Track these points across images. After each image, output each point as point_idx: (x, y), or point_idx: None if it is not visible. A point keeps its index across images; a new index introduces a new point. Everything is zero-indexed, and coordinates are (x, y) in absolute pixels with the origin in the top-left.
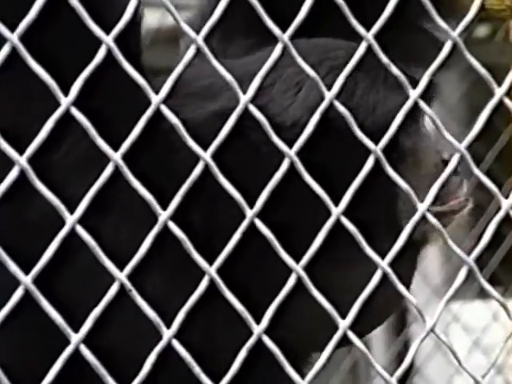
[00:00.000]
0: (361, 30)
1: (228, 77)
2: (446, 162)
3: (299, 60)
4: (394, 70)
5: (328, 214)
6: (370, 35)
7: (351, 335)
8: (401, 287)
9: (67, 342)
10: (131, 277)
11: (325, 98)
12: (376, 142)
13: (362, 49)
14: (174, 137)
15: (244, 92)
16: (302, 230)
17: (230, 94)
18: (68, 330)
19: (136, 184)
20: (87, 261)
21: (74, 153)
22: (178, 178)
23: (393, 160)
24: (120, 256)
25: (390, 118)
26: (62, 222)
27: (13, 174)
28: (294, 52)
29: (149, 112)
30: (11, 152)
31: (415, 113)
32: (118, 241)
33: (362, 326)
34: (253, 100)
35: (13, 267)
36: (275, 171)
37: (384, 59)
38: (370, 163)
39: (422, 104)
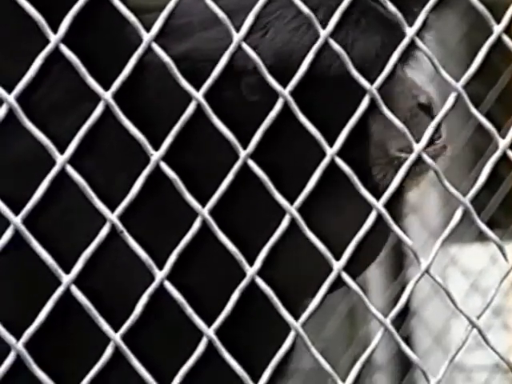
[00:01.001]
0: None
1: (220, 13)
2: (422, 106)
3: (297, 1)
4: (390, 6)
5: (322, 155)
6: None
7: (345, 277)
8: (396, 228)
9: (58, 284)
10: (122, 218)
11: (319, 36)
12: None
13: None
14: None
15: (237, 30)
16: (295, 171)
17: (200, 35)
18: (59, 271)
19: (127, 123)
20: (78, 202)
21: (55, 92)
22: (169, 119)
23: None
24: (111, 198)
25: (359, 61)
26: (51, 162)
27: (1, 112)
28: None
29: (140, 50)
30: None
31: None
32: (108, 182)
33: (354, 267)
34: (245, 38)
35: (2, 207)
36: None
37: None
38: (365, 103)
39: (419, 42)
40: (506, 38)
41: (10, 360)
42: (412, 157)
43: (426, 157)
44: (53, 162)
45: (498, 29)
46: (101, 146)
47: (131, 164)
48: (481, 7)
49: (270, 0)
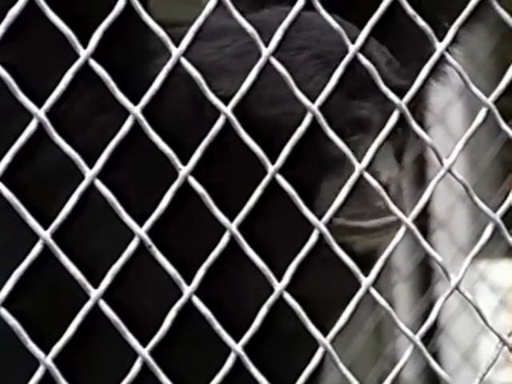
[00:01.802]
0: None
1: (249, 28)
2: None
3: (323, 12)
4: (420, 21)
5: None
6: None
7: (374, 292)
8: (425, 244)
9: (86, 299)
10: (151, 233)
11: (349, 51)
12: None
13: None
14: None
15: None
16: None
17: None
18: (87, 286)
19: (156, 138)
20: (106, 216)
21: (78, 106)
22: (197, 134)
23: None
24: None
25: None
26: (80, 176)
27: (31, 127)
28: (317, 4)
29: (169, 64)
30: (29, 104)
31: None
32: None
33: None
34: (274, 53)
35: (31, 221)
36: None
37: (409, 10)
38: (394, 118)
39: (449, 57)
40: None
41: (38, 375)
42: (441, 172)
43: (455, 172)
44: (81, 176)
45: None
46: (127, 160)
47: (155, 178)
48: (511, 21)
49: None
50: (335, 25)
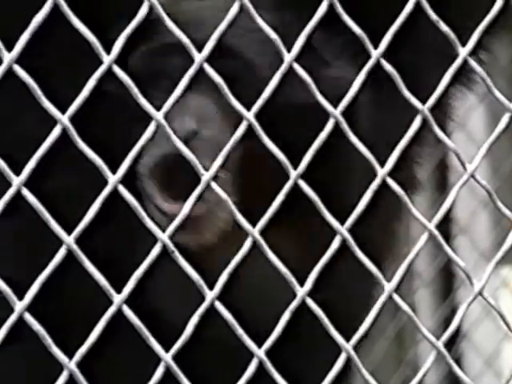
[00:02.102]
0: None
1: (272, 35)
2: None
3: (345, 17)
4: (443, 26)
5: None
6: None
7: (397, 298)
8: (448, 249)
9: (109, 304)
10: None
11: (371, 56)
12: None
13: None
14: None
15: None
16: (344, 192)
17: None
18: (111, 291)
19: (179, 144)
20: (129, 222)
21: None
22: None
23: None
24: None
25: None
26: (104, 183)
27: (55, 133)
28: (339, 9)
29: (191, 70)
30: (54, 111)
31: None
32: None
33: None
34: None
35: (55, 227)
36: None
37: (433, 16)
38: (417, 123)
39: (472, 62)
40: None
41: (62, 379)
42: (464, 178)
43: (478, 178)
44: (105, 182)
45: None
46: None
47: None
48: None
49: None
50: (358, 30)
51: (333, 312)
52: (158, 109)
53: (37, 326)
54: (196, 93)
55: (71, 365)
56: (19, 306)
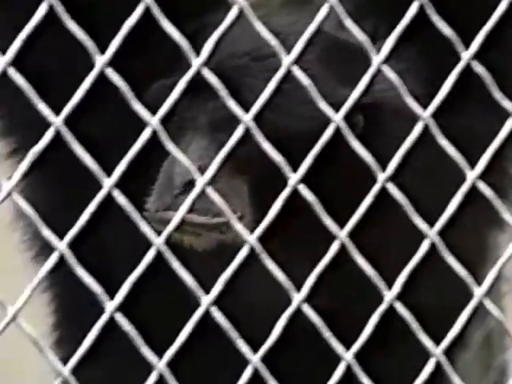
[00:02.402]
0: None
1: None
2: None
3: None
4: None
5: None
6: None
7: (488, 304)
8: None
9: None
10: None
11: (461, 58)
12: None
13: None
14: None
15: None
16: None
17: None
18: (199, 292)
19: (267, 146)
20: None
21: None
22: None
23: None
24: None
25: None
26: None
27: (145, 135)
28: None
29: (280, 73)
30: (144, 113)
31: None
32: None
33: None
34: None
35: (145, 228)
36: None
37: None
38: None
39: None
40: None
41: (152, 380)
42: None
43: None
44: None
45: None
46: None
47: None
48: None
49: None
50: (449, 32)
51: (423, 316)
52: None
53: (128, 327)
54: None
55: (161, 365)
56: (110, 306)
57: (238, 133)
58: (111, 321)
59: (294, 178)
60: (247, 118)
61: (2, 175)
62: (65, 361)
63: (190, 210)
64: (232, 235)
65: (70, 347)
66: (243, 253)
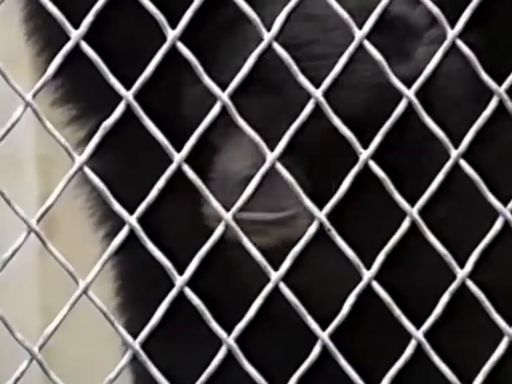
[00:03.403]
0: None
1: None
2: None
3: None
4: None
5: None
6: None
7: None
8: None
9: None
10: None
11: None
12: None
13: None
14: None
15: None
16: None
17: None
18: (268, 268)
19: (337, 122)
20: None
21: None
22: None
23: None
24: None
25: None
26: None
27: (215, 110)
28: None
29: (351, 47)
30: (214, 88)
31: None
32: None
33: None
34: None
35: (215, 204)
36: None
37: None
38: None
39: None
40: None
41: (221, 354)
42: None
43: None
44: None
45: None
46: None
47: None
48: None
49: None
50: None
51: (495, 295)
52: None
53: (197, 301)
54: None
55: (230, 340)
56: (180, 280)
57: (308, 108)
58: (180, 296)
59: (365, 154)
60: (318, 93)
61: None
62: (134, 336)
63: (253, 209)
64: (298, 229)
65: (137, 324)
66: (312, 229)
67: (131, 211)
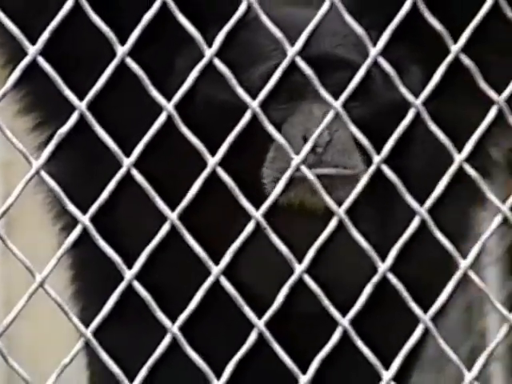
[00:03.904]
0: None
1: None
2: None
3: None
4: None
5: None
6: None
7: (472, 275)
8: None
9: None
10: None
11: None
12: None
13: None
14: None
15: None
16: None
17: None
18: (209, 263)
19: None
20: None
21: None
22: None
23: None
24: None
25: None
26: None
27: (161, 119)
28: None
29: (284, 64)
30: (160, 99)
31: None
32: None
33: None
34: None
35: (160, 204)
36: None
37: (509, 14)
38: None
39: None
40: None
41: (166, 342)
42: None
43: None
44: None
45: None
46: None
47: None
48: None
49: None
50: (438, 26)
51: (413, 286)
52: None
53: (144, 293)
54: (319, 102)
55: (174, 328)
56: (129, 274)
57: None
58: (129, 288)
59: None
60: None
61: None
62: (86, 324)
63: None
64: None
65: (90, 312)
66: (249, 227)
67: (85, 211)
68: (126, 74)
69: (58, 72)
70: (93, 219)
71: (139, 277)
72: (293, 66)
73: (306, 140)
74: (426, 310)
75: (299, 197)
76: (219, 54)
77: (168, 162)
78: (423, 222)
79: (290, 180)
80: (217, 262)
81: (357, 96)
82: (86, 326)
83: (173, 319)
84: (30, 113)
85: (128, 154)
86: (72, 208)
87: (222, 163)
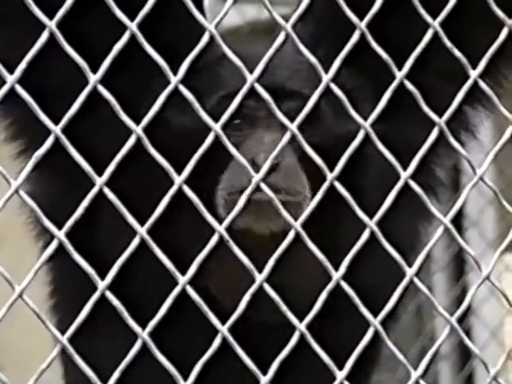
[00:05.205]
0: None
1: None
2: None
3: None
4: (456, 52)
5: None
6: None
7: (417, 282)
8: (460, 240)
9: (175, 284)
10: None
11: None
12: None
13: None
14: None
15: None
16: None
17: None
18: (177, 274)
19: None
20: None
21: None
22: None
23: None
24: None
25: None
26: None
27: (130, 142)
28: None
29: (244, 89)
30: (129, 123)
31: None
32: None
33: None
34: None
35: (130, 219)
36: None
37: (448, 43)
38: (434, 134)
39: (482, 84)
40: None
41: (137, 346)
42: (475, 180)
43: (486, 180)
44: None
45: None
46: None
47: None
48: None
49: None
50: (384, 55)
51: (364, 293)
52: (236, 145)
53: (115, 302)
54: (270, 131)
55: (144, 335)
56: (101, 284)
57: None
58: (102, 297)
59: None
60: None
61: (12, 173)
62: (63, 332)
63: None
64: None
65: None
66: (213, 240)
67: (61, 227)
68: (100, 99)
69: (36, 100)
70: (71, 235)
71: (113, 287)
72: (250, 92)
73: (253, 163)
74: (376, 314)
75: (246, 223)
76: (184, 80)
77: (139, 181)
78: (372, 234)
79: (238, 205)
80: (184, 272)
81: (307, 124)
82: (63, 333)
83: (144, 326)
84: (15, 140)
85: (100, 174)
86: (48, 223)
87: (188, 181)
